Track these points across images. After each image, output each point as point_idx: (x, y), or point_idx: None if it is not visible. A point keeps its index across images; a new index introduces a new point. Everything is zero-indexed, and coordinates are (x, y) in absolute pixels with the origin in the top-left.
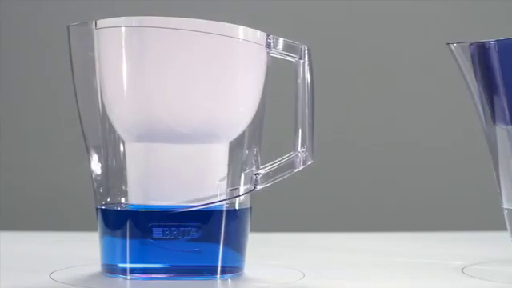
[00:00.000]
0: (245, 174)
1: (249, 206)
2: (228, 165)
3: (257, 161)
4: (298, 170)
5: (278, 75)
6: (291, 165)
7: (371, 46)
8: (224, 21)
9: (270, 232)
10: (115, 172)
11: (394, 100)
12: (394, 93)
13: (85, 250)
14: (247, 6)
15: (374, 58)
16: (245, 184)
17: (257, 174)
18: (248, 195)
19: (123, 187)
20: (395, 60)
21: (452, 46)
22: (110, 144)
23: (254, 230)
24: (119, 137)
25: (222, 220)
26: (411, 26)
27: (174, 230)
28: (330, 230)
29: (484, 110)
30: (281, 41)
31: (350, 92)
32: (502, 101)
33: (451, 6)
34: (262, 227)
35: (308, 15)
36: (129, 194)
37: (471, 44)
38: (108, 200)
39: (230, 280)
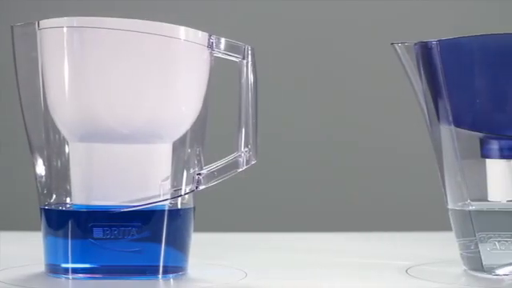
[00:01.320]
0: (187, 174)
1: (192, 205)
2: (171, 165)
3: (199, 161)
4: (241, 169)
5: (223, 75)
6: (235, 165)
7: (317, 45)
8: (170, 21)
9: (215, 232)
10: (60, 172)
11: (340, 100)
12: (339, 92)
13: (32, 249)
14: (191, 6)
15: (320, 58)
16: (187, 184)
17: (199, 174)
18: (191, 195)
19: (68, 187)
20: (341, 60)
21: (396, 46)
22: (54, 144)
23: (199, 229)
24: (63, 137)
25: (163, 220)
26: (357, 25)
27: (115, 230)
28: (276, 230)
29: (428, 110)
30: (223, 41)
31: (295, 92)
32: (444, 101)
33: (397, 6)
34: (207, 227)
35: (253, 16)
36: (72, 194)
37: (415, 44)
38: (53, 200)
39: (172, 280)
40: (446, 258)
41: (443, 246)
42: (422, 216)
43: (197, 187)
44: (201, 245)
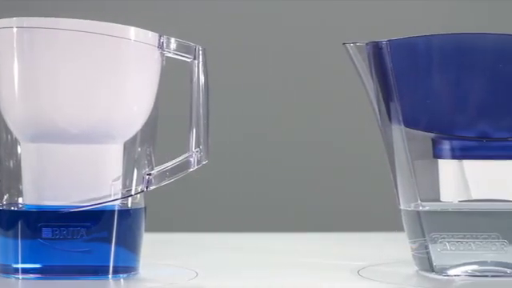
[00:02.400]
0: (138, 174)
1: (143, 205)
2: (122, 165)
3: (150, 161)
4: (192, 169)
5: (177, 75)
6: (186, 165)
7: (271, 45)
8: (120, 22)
9: (168, 232)
10: (12, 173)
11: (293, 99)
12: (293, 93)
13: None
14: (142, 6)
15: (275, 57)
16: (138, 184)
17: (150, 174)
18: (142, 195)
19: (20, 188)
20: (296, 60)
21: (348, 46)
22: (6, 145)
23: (152, 229)
24: (15, 138)
25: (113, 220)
26: (309, 25)
27: (64, 230)
28: (229, 230)
29: (380, 111)
30: (173, 41)
31: (248, 92)
32: (395, 101)
33: (349, 6)
34: (159, 227)
35: (206, 16)
36: (24, 194)
37: (367, 44)
38: (5, 200)
39: (122, 280)
40: (399, 258)
41: (397, 247)
42: (377, 216)
43: (147, 187)
44: (153, 245)
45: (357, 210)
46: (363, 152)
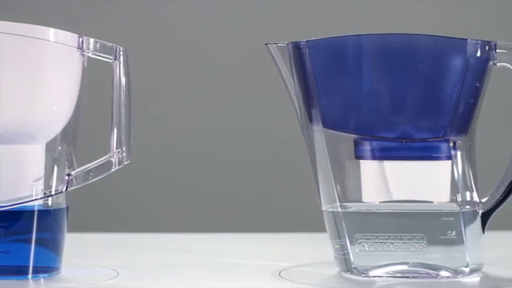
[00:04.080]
0: (59, 175)
1: (65, 205)
2: (44, 165)
3: (71, 161)
4: (113, 170)
5: (102, 75)
6: (107, 165)
7: (197, 45)
8: (40, 23)
9: (91, 232)
10: None
11: (217, 99)
12: (217, 93)
13: None
14: (62, 7)
15: (201, 58)
16: (59, 184)
17: (70, 174)
18: (64, 195)
19: None
20: (221, 61)
21: (270, 46)
22: None
23: (75, 229)
24: None
25: (33, 220)
26: (233, 26)
27: None
28: (153, 230)
29: (301, 111)
30: (92, 42)
31: (174, 92)
32: (314, 102)
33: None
34: (83, 227)
35: (127, 16)
36: None
37: (287, 44)
38: None
39: (42, 280)
40: (324, 259)
41: (323, 248)
42: (302, 217)
43: (67, 188)
44: (77, 244)
45: (283, 209)
46: (289, 152)
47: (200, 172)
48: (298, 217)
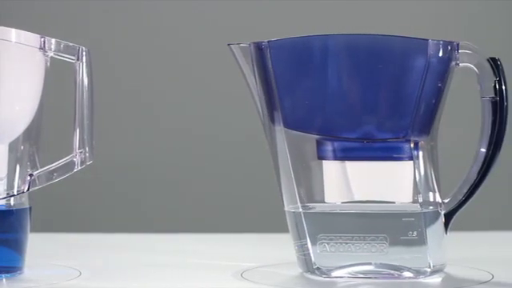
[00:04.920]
0: (22, 175)
1: (28, 205)
2: (6, 165)
3: (34, 161)
4: (76, 170)
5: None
6: (70, 165)
7: (161, 45)
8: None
9: (55, 232)
10: None
11: (184, 99)
12: (184, 93)
13: None
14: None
15: (165, 58)
16: (22, 184)
17: (31, 174)
18: (27, 195)
19: None
20: (185, 60)
21: (233, 46)
22: None
23: (38, 229)
24: None
25: None
26: (195, 26)
27: None
28: (117, 230)
29: (263, 111)
30: (53, 42)
31: (135, 92)
32: (276, 102)
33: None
34: (46, 227)
35: (93, 17)
36: None
37: (250, 45)
38: None
39: (4, 280)
40: (288, 260)
41: (288, 248)
42: (268, 217)
43: (29, 188)
44: (42, 245)
45: (248, 210)
46: (256, 152)
47: (166, 172)
48: (264, 217)
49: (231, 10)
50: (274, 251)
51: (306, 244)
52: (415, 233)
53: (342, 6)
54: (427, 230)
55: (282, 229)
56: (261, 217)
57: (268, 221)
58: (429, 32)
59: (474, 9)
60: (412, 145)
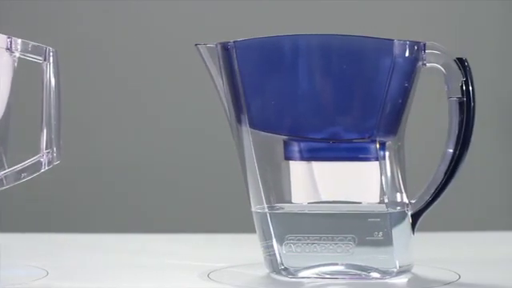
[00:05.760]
0: None
1: None
2: None
3: (1, 161)
4: (43, 170)
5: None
6: (37, 166)
7: (129, 45)
8: None
9: (21, 232)
10: None
11: (151, 100)
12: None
13: None
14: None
15: (134, 58)
16: None
17: None
18: None
19: None
20: (151, 60)
21: (200, 47)
22: None
23: (6, 230)
24: None
25: None
26: (160, 26)
27: None
28: (86, 230)
29: (230, 111)
30: (20, 42)
31: (103, 92)
32: (242, 102)
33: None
34: (13, 227)
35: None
36: None
37: (216, 45)
38: None
39: None
40: (255, 260)
41: (256, 248)
42: (237, 217)
43: None
44: (8, 245)
45: (216, 211)
46: (224, 152)
47: (132, 172)
48: (233, 217)
49: (226, 9)
50: (247, 252)
51: (271, 244)
52: (381, 233)
53: (311, 7)
54: (393, 231)
55: (252, 229)
56: (234, 217)
57: (242, 221)
58: (399, 32)
59: (444, 9)
60: (378, 145)
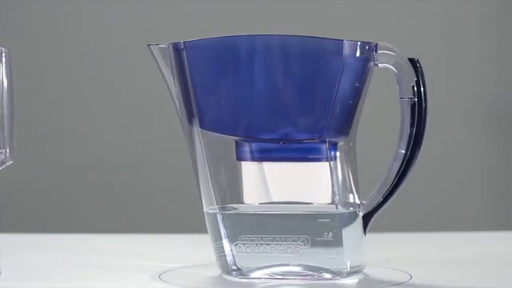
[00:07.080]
0: None
1: None
2: None
3: None
4: None
5: None
6: None
7: (83, 46)
8: None
9: None
10: None
11: (109, 100)
12: (109, 93)
13: None
14: None
15: (88, 59)
16: None
17: None
18: None
19: None
20: (106, 61)
21: (152, 47)
22: None
23: None
24: None
25: None
26: (115, 26)
27: None
28: (39, 230)
29: (181, 112)
30: None
31: (55, 92)
32: (193, 102)
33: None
34: None
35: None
36: None
37: (168, 46)
38: None
39: None
40: (209, 261)
41: (210, 249)
42: (190, 217)
43: None
44: None
45: (170, 210)
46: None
47: (95, 174)
48: (186, 217)
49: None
50: (201, 252)
51: (221, 245)
52: (331, 234)
53: (265, 7)
54: (344, 231)
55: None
56: (184, 217)
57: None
58: (354, 32)
59: (398, 9)
60: (328, 146)
